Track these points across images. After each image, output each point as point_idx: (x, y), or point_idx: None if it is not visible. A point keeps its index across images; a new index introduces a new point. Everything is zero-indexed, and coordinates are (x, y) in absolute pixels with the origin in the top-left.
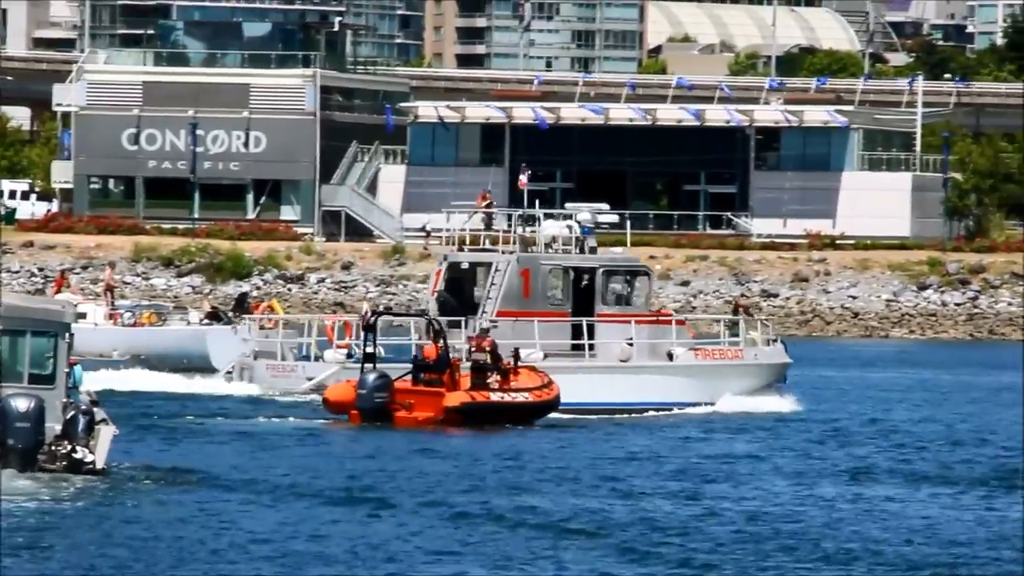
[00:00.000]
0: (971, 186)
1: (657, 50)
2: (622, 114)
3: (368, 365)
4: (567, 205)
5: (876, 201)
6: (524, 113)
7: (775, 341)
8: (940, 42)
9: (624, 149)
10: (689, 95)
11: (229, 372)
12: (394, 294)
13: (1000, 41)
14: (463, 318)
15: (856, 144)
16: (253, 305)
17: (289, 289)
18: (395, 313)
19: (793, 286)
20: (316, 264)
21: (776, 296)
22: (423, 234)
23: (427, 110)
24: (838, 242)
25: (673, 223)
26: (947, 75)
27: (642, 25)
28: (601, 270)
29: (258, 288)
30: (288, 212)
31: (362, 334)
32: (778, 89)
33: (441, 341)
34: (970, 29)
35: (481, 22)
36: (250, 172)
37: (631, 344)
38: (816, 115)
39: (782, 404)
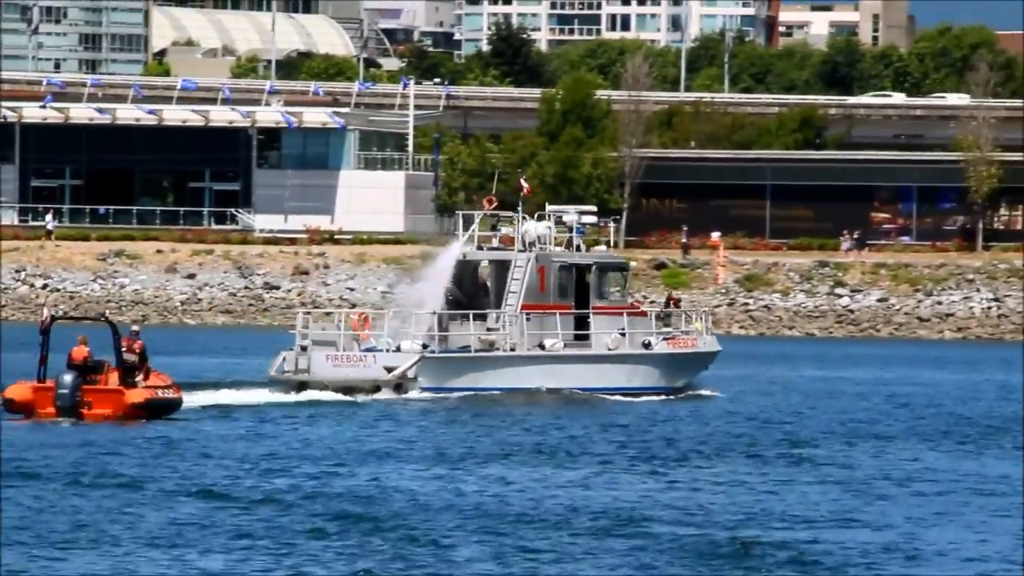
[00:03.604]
0: (460, 184)
1: (162, 53)
2: (129, 114)
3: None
4: (548, 207)
5: (372, 198)
6: (34, 113)
7: (711, 332)
8: (430, 48)
9: (132, 148)
10: (194, 96)
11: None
12: None
13: (486, 47)
14: (474, 311)
15: (353, 144)
16: None
17: None
18: (73, 317)
19: (294, 279)
20: None
21: (278, 288)
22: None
23: None
24: (336, 237)
25: (179, 219)
26: (437, 79)
27: (147, 29)
28: (595, 267)
29: None
30: None
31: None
32: (278, 92)
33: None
34: (458, 36)
35: None
36: None
37: (623, 334)
38: (315, 116)
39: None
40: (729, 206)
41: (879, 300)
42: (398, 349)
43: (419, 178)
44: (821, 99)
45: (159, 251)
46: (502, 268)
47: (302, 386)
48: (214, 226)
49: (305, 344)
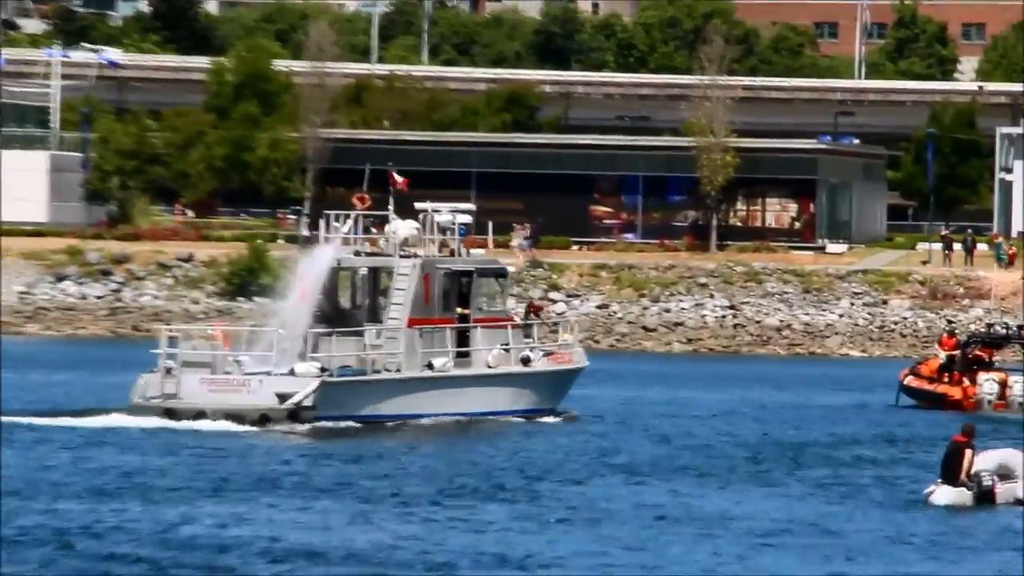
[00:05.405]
0: (114, 167)
1: None
2: None
3: None
4: (417, 205)
5: (9, 183)
6: None
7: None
8: (80, 8)
9: None
10: None
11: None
12: None
13: (145, 9)
14: (350, 327)
15: None
16: None
17: None
18: None
19: None
20: None
21: None
22: None
23: None
24: None
25: None
26: (88, 45)
27: None
28: (476, 273)
29: None
30: None
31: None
32: None
33: None
34: None
35: None
36: None
37: (507, 349)
38: None
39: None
40: (428, 196)
41: (599, 307)
42: (291, 372)
43: (66, 160)
44: (534, 74)
45: None
46: (376, 276)
47: (170, 413)
48: None
49: (170, 365)
